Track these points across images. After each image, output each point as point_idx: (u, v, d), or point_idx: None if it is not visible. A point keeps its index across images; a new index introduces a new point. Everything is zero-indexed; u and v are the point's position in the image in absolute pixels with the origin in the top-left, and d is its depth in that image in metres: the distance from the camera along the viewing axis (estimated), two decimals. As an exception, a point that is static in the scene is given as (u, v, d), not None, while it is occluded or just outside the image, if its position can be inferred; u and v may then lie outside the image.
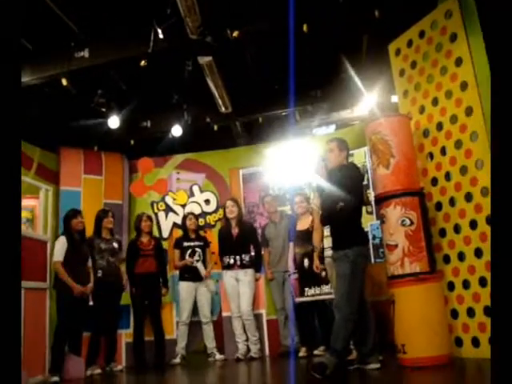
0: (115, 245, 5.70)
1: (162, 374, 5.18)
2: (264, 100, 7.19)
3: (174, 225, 7.40)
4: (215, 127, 7.48)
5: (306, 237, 5.25)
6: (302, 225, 5.42)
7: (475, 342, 3.93)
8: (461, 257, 4.10)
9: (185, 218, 6.26)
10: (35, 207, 6.08)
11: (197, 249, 6.03)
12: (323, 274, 4.86)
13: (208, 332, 5.91)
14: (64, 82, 5.87)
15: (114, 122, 7.06)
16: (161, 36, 5.47)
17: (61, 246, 5.07)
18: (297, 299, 5.34)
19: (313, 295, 5.11)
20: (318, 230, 4.77)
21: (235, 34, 5.47)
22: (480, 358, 3.82)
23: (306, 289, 5.16)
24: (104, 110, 6.98)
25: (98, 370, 5.35)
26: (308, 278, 5.16)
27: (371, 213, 6.35)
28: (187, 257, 5.97)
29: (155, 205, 7.57)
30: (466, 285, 4.04)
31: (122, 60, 5.92)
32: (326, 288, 4.99)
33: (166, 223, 7.51)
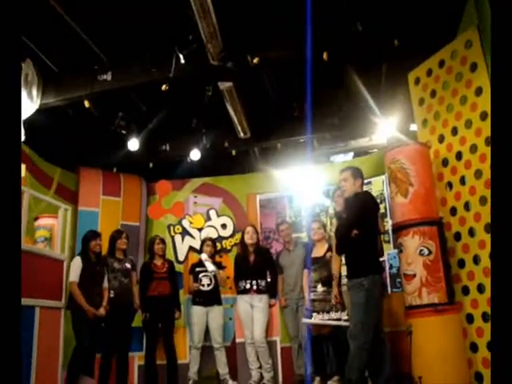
0: (128, 265, 5.71)
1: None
2: (282, 126, 7.22)
3: (190, 248, 7.39)
4: (233, 152, 7.51)
5: (321, 263, 5.22)
6: (318, 252, 5.39)
7: (495, 378, 3.83)
8: (480, 288, 4.03)
9: (203, 242, 6.29)
10: (54, 226, 6.11)
11: (208, 273, 6.01)
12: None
13: (220, 357, 5.85)
14: (86, 103, 5.96)
15: (133, 144, 7.13)
16: (182, 61, 5.55)
17: (76, 266, 5.12)
18: (304, 320, 5.28)
19: (321, 319, 5.04)
20: (337, 258, 4.75)
21: (256, 60, 5.52)
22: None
23: (315, 314, 5.10)
24: (124, 132, 7.07)
25: None
26: (319, 303, 5.13)
27: (388, 241, 6.27)
28: (198, 281, 5.97)
29: (172, 228, 7.58)
30: (485, 317, 3.95)
31: (144, 84, 6.02)
32: (334, 315, 4.92)
33: (182, 247, 7.50)
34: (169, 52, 5.58)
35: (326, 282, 5.06)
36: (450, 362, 3.75)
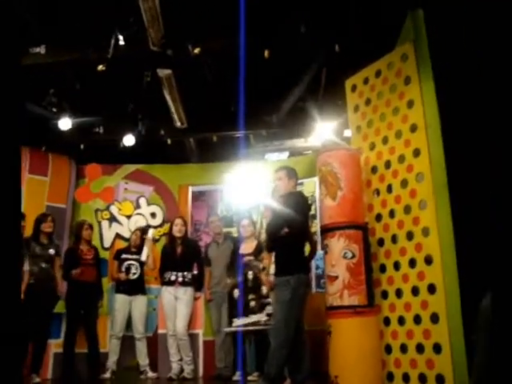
0: (51, 251, 5.51)
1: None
2: (220, 120, 7.18)
3: (117, 235, 7.24)
4: (169, 141, 7.40)
5: (247, 261, 5.28)
6: (247, 248, 5.42)
7: (406, 378, 4.01)
8: (398, 293, 4.19)
9: (133, 232, 6.23)
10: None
11: (134, 262, 5.94)
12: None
13: (141, 348, 5.80)
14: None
15: (65, 123, 6.87)
16: (122, 43, 5.40)
17: None
18: (225, 329, 5.36)
19: (242, 325, 5.10)
20: (269, 256, 4.81)
21: (197, 50, 5.47)
22: (409, 394, 3.91)
23: (235, 319, 5.16)
24: (55, 110, 6.79)
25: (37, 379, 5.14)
26: (237, 307, 5.19)
27: (316, 243, 6.41)
28: (123, 269, 5.87)
29: (99, 213, 7.38)
30: (401, 321, 4.12)
31: (80, 62, 5.80)
32: (254, 317, 5.00)
33: (109, 233, 7.33)
34: (108, 32, 5.41)
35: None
36: (366, 361, 3.88)
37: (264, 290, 5.06)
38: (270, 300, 5.02)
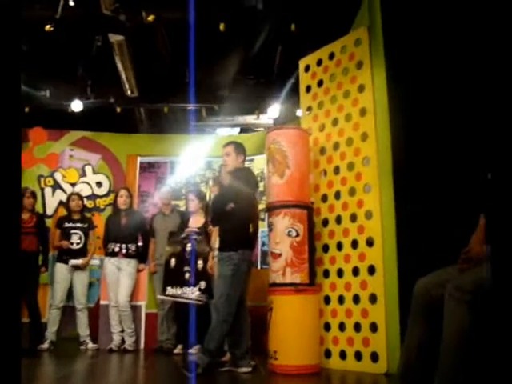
0: None
1: (26, 359, 4.90)
2: (172, 91, 7.05)
3: (61, 203, 7.05)
4: (118, 109, 7.21)
5: (194, 234, 5.27)
6: (194, 222, 5.40)
7: (342, 355, 4.16)
8: (340, 273, 4.31)
9: (68, 197, 6.04)
10: None
11: (78, 231, 5.82)
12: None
13: (82, 319, 5.73)
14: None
15: (9, 85, 6.58)
16: (71, 3, 5.19)
17: None
18: (157, 296, 5.37)
19: (173, 295, 5.12)
20: (215, 231, 4.80)
21: (150, 18, 5.33)
22: (345, 369, 4.06)
23: (168, 288, 5.16)
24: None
25: None
26: (172, 276, 5.19)
27: (263, 219, 6.47)
28: (66, 238, 5.76)
29: (42, 179, 7.16)
30: (341, 300, 4.25)
31: (26, 20, 5.53)
32: (187, 290, 5.02)
33: (52, 200, 7.12)
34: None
35: (180, 257, 5.16)
36: (305, 338, 3.99)
37: (200, 264, 5.07)
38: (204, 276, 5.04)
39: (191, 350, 5.21)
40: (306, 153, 4.46)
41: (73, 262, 5.70)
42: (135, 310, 5.68)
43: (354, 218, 4.27)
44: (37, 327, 5.49)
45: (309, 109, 4.89)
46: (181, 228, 5.51)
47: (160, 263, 5.69)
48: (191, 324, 5.32)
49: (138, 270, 5.74)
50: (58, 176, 7.18)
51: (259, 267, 6.31)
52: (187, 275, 5.05)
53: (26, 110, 7.25)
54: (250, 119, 7.50)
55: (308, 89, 4.90)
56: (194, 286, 5.00)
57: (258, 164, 6.72)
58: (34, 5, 5.36)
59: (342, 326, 4.20)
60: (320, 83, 4.77)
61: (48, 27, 5.43)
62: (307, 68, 4.93)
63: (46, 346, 5.52)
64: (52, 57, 6.56)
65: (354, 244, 4.22)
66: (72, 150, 7.32)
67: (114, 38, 5.63)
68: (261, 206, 5.62)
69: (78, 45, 6.26)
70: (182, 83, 6.76)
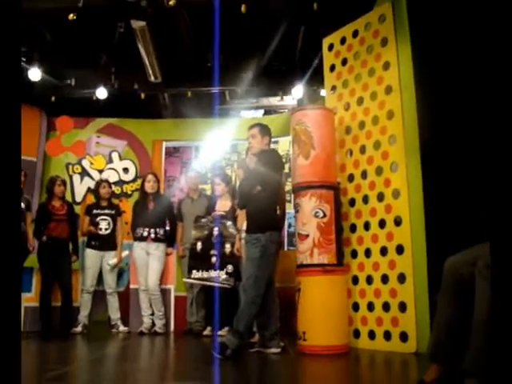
0: (22, 205, 5.44)
1: (59, 342, 5.04)
2: (195, 75, 7.06)
3: (89, 190, 7.17)
4: (142, 95, 7.25)
5: (220, 218, 5.29)
6: (222, 207, 5.42)
7: (371, 335, 4.16)
8: (367, 253, 4.29)
9: (98, 184, 6.13)
10: None
11: (106, 217, 5.92)
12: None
13: (112, 303, 5.84)
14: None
15: (35, 74, 6.67)
16: (93, -10, 5.22)
17: None
18: (183, 279, 5.42)
19: (199, 278, 5.17)
20: (242, 213, 4.81)
21: (172, 2, 5.32)
22: (374, 349, 4.06)
23: (194, 271, 5.20)
24: (25, 59, 6.58)
25: None
26: (198, 260, 5.23)
27: (289, 201, 6.47)
28: (95, 224, 5.86)
29: (71, 167, 7.29)
30: (369, 280, 4.24)
31: (50, 10, 5.59)
32: (213, 273, 5.05)
33: (81, 187, 7.26)
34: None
35: (207, 240, 5.18)
36: (333, 319, 3.98)
37: (227, 248, 5.09)
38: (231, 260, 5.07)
39: (220, 332, 5.26)
40: (331, 133, 4.42)
41: (110, 262, 5.81)
42: (164, 293, 5.75)
43: (381, 197, 4.23)
44: (69, 311, 5.64)
45: (333, 88, 4.84)
46: (207, 212, 5.55)
47: (188, 247, 5.74)
48: (219, 306, 5.38)
49: (167, 254, 5.80)
50: (85, 163, 7.30)
51: (286, 249, 6.31)
52: (214, 259, 5.10)
53: (52, 99, 7.37)
54: (274, 101, 7.46)
55: (332, 68, 4.85)
56: (221, 269, 5.03)
57: (283, 146, 6.70)
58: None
59: (370, 306, 4.19)
60: (344, 62, 4.71)
61: (71, 16, 5.47)
62: (331, 47, 4.87)
63: (79, 329, 5.66)
64: (76, 46, 6.62)
65: (382, 223, 4.19)
66: (98, 136, 7.43)
67: (136, 24, 5.64)
68: (287, 188, 5.60)
69: (101, 33, 6.30)
70: (204, 67, 6.76)
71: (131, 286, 5.92)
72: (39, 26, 6.28)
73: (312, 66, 6.16)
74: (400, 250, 4.00)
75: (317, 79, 6.14)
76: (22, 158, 6.76)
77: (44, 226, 5.59)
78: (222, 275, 5.00)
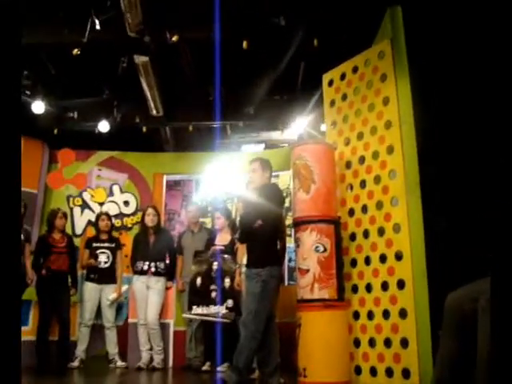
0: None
1: (56, 377, 4.96)
2: (196, 109, 7.15)
3: (89, 222, 7.16)
4: (144, 129, 7.33)
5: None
6: (221, 240, 5.41)
7: (373, 371, 4.08)
8: (368, 288, 4.24)
9: (98, 217, 6.13)
10: None
11: (106, 250, 5.89)
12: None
13: (110, 337, 5.76)
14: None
15: (38, 107, 6.75)
16: (98, 27, 5.31)
17: None
18: (183, 315, 5.37)
19: (200, 314, 5.11)
20: (242, 247, 4.79)
21: (175, 38, 5.42)
22: (375, 386, 3.98)
23: (194, 307, 5.16)
24: (29, 93, 6.67)
25: None
26: (198, 296, 5.18)
27: (290, 235, 6.45)
28: (95, 258, 5.83)
29: (71, 199, 7.30)
30: (370, 316, 4.17)
31: (55, 44, 5.70)
32: (214, 308, 5.01)
33: (81, 220, 7.26)
34: (84, 15, 5.31)
35: (206, 275, 5.15)
36: (334, 354, 3.92)
37: (227, 283, 5.06)
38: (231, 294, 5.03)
39: (219, 368, 5.18)
40: (331, 167, 4.43)
41: (109, 298, 5.77)
42: (163, 327, 5.68)
43: (381, 231, 4.21)
44: (66, 345, 5.55)
45: (333, 123, 4.88)
46: (207, 246, 5.53)
47: (188, 281, 5.70)
48: (219, 341, 5.31)
49: (167, 288, 5.75)
50: (86, 196, 7.31)
51: (286, 283, 6.26)
52: (214, 294, 5.06)
53: (55, 131, 7.44)
54: (275, 135, 7.52)
55: (332, 103, 4.89)
56: (221, 304, 4.99)
57: (284, 180, 6.72)
58: (62, 30, 5.50)
59: (372, 342, 4.12)
60: (344, 97, 4.75)
61: (75, 51, 5.56)
62: (331, 82, 4.93)
63: (76, 364, 5.57)
64: (79, 79, 6.72)
65: (383, 258, 4.15)
66: (100, 169, 7.47)
67: (139, 59, 5.73)
68: (287, 222, 5.59)
69: (104, 67, 6.41)
70: (206, 101, 6.84)
71: (130, 321, 5.86)
72: (43, 60, 6.39)
73: (312, 101, 6.23)
74: (401, 284, 3.96)
75: (318, 114, 6.21)
76: (23, 189, 6.77)
77: (44, 258, 5.56)
78: (222, 310, 4.95)
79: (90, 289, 5.82)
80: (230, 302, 4.96)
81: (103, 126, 7.14)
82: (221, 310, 4.96)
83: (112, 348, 5.74)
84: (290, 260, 6.34)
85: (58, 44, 5.66)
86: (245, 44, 5.11)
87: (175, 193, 7.54)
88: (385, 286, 4.10)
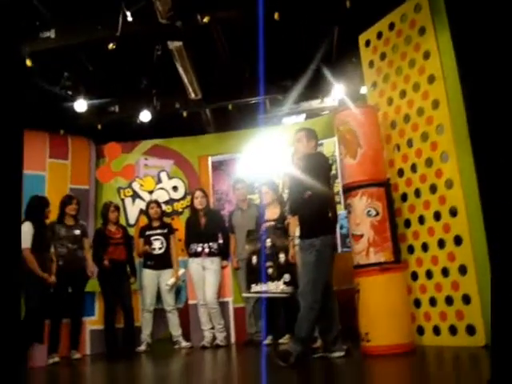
0: (77, 232, 5.63)
1: (126, 362, 5.14)
2: (234, 88, 7.13)
3: (141, 211, 7.32)
4: (184, 113, 7.38)
5: (272, 229, 5.29)
6: (271, 215, 5.42)
7: (436, 331, 4.03)
8: (424, 247, 4.18)
9: (147, 206, 6.28)
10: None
11: (159, 237, 6.02)
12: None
13: (173, 320, 5.91)
14: (28, 62, 5.69)
15: (80, 105, 6.91)
16: (130, 19, 5.35)
17: (28, 232, 4.99)
18: (243, 294, 5.42)
19: (259, 292, 5.15)
20: (294, 220, 4.79)
21: (206, 19, 5.40)
22: (440, 345, 3.93)
23: (253, 285, 5.20)
24: (71, 93, 6.83)
25: (57, 359, 5.26)
26: (255, 274, 5.22)
27: (339, 202, 6.40)
28: (149, 245, 5.97)
29: (122, 191, 7.47)
30: (429, 275, 4.12)
31: (90, 42, 5.79)
32: (272, 285, 5.03)
33: (133, 210, 7.42)
34: (115, 9, 5.35)
35: (260, 253, 5.19)
36: (395, 317, 3.89)
37: (282, 258, 5.07)
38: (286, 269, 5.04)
39: (281, 340, 5.23)
40: (376, 129, 4.36)
41: (168, 283, 5.90)
42: (223, 306, 5.77)
43: (433, 189, 4.12)
44: (132, 331, 5.75)
45: (374, 84, 4.78)
46: (257, 223, 5.56)
47: (242, 258, 5.75)
48: (280, 315, 5.36)
49: (222, 267, 5.83)
50: (135, 186, 7.46)
51: (340, 251, 6.23)
52: (270, 270, 5.08)
53: (99, 127, 7.60)
54: (315, 104, 7.42)
55: (371, 64, 4.79)
56: (278, 279, 5.01)
57: (328, 147, 6.65)
58: (95, 26, 5.59)
59: (432, 301, 4.07)
60: (383, 56, 4.65)
61: (111, 46, 5.63)
62: (367, 43, 4.82)
63: (142, 348, 5.76)
64: (116, 73, 6.82)
65: (437, 216, 4.07)
66: (146, 158, 7.60)
67: (173, 45, 5.75)
68: (335, 189, 5.54)
69: (140, 57, 6.47)
70: (242, 79, 6.81)
71: (190, 302, 5.98)
72: (81, 59, 6.52)
73: (350, 65, 6.11)
74: (458, 241, 3.87)
75: (357, 77, 6.07)
76: (76, 187, 7.01)
77: (103, 250, 5.74)
78: (280, 285, 4.98)
79: (148, 275, 5.97)
80: (286, 277, 4.98)
81: (145, 116, 7.23)
82: (278, 285, 5.00)
83: (175, 330, 5.89)
84: (341, 227, 6.30)
85: (93, 41, 5.74)
86: (276, 15, 5.04)
87: (221, 173, 7.60)
88: (441, 244, 4.03)
